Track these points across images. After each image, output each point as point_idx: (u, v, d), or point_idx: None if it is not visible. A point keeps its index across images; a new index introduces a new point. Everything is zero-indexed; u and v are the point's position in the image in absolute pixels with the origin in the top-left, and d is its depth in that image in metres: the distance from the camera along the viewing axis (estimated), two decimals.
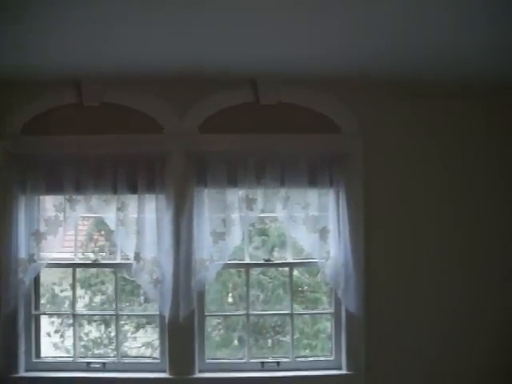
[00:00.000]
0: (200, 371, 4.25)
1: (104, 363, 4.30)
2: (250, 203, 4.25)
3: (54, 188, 4.18)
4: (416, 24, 3.28)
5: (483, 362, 4.37)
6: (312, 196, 4.30)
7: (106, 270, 4.75)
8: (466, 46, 3.64)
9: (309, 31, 3.41)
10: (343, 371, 4.30)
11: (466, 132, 4.44)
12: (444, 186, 4.41)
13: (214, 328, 4.82)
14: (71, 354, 4.43)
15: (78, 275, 4.44)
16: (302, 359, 4.45)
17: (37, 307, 4.36)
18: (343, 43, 3.61)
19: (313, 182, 4.28)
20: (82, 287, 4.75)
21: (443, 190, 4.41)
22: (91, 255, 4.69)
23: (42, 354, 4.38)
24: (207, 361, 4.31)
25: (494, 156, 4.46)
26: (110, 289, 4.93)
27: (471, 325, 4.40)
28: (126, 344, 4.83)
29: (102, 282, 5.01)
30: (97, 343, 4.93)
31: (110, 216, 4.20)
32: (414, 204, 4.40)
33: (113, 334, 4.87)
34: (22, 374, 4.22)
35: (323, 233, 4.27)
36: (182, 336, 4.19)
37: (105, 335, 4.96)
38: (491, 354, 4.38)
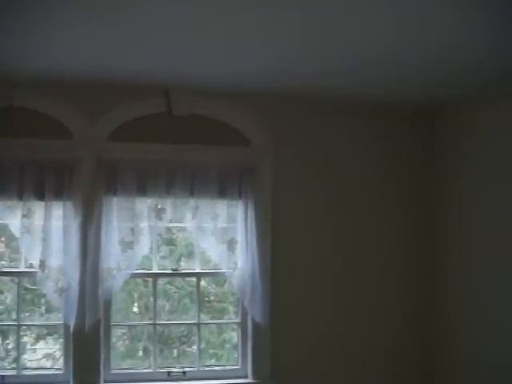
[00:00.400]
0: (105, 382, 4.18)
1: (3, 376, 4.15)
2: (159, 212, 4.26)
3: None
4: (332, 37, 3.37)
5: (399, 363, 4.61)
6: (221, 207, 4.37)
7: (5, 278, 4.57)
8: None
9: (221, 44, 3.43)
10: (249, 379, 4.38)
11: (370, 149, 4.69)
12: (350, 198, 4.61)
13: (118, 338, 4.74)
14: None
15: None
16: (209, 368, 4.48)
17: None
18: (257, 58, 3.67)
19: (222, 193, 4.36)
20: None
21: (350, 201, 4.61)
22: None
23: None
24: (113, 371, 4.26)
25: (392, 166, 4.73)
26: (8, 298, 4.73)
27: (388, 326, 4.62)
28: (25, 356, 4.65)
29: (0, 292, 4.81)
30: None
31: (15, 223, 4.08)
32: (321, 215, 4.56)
33: (10, 346, 4.68)
34: None
35: (231, 244, 4.35)
36: (87, 346, 4.12)
37: (1, 347, 4.75)
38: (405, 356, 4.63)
